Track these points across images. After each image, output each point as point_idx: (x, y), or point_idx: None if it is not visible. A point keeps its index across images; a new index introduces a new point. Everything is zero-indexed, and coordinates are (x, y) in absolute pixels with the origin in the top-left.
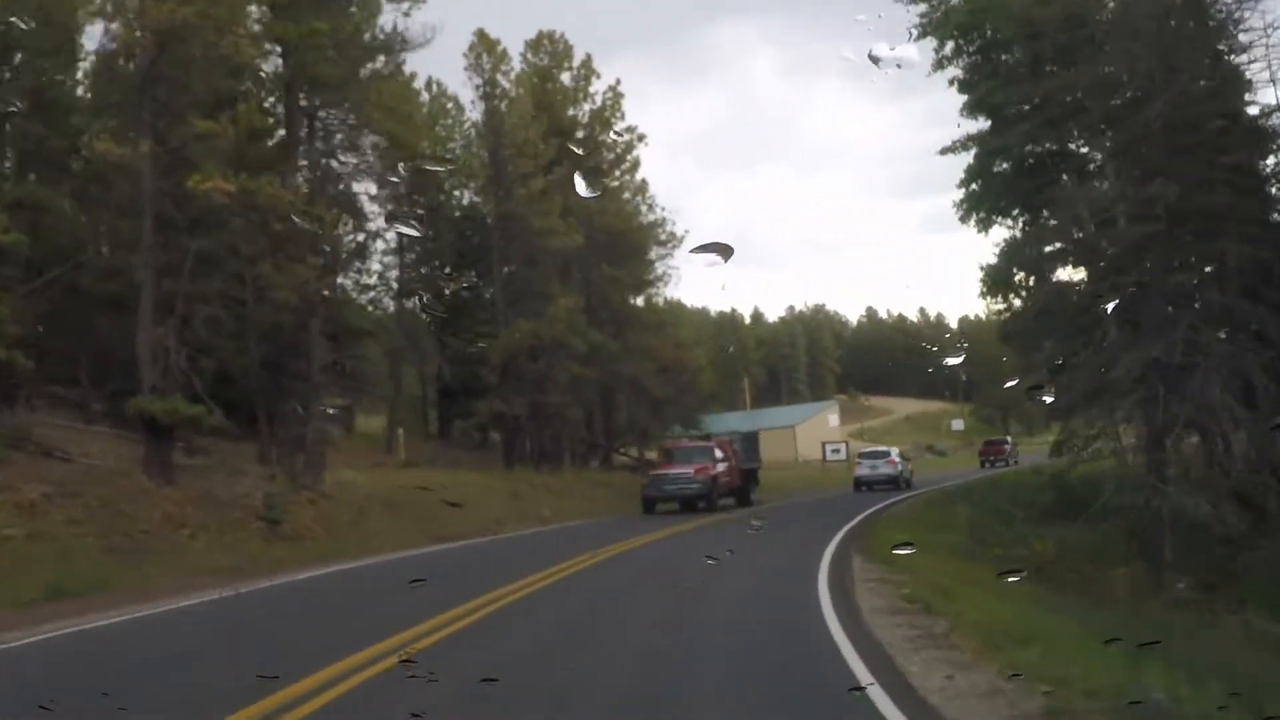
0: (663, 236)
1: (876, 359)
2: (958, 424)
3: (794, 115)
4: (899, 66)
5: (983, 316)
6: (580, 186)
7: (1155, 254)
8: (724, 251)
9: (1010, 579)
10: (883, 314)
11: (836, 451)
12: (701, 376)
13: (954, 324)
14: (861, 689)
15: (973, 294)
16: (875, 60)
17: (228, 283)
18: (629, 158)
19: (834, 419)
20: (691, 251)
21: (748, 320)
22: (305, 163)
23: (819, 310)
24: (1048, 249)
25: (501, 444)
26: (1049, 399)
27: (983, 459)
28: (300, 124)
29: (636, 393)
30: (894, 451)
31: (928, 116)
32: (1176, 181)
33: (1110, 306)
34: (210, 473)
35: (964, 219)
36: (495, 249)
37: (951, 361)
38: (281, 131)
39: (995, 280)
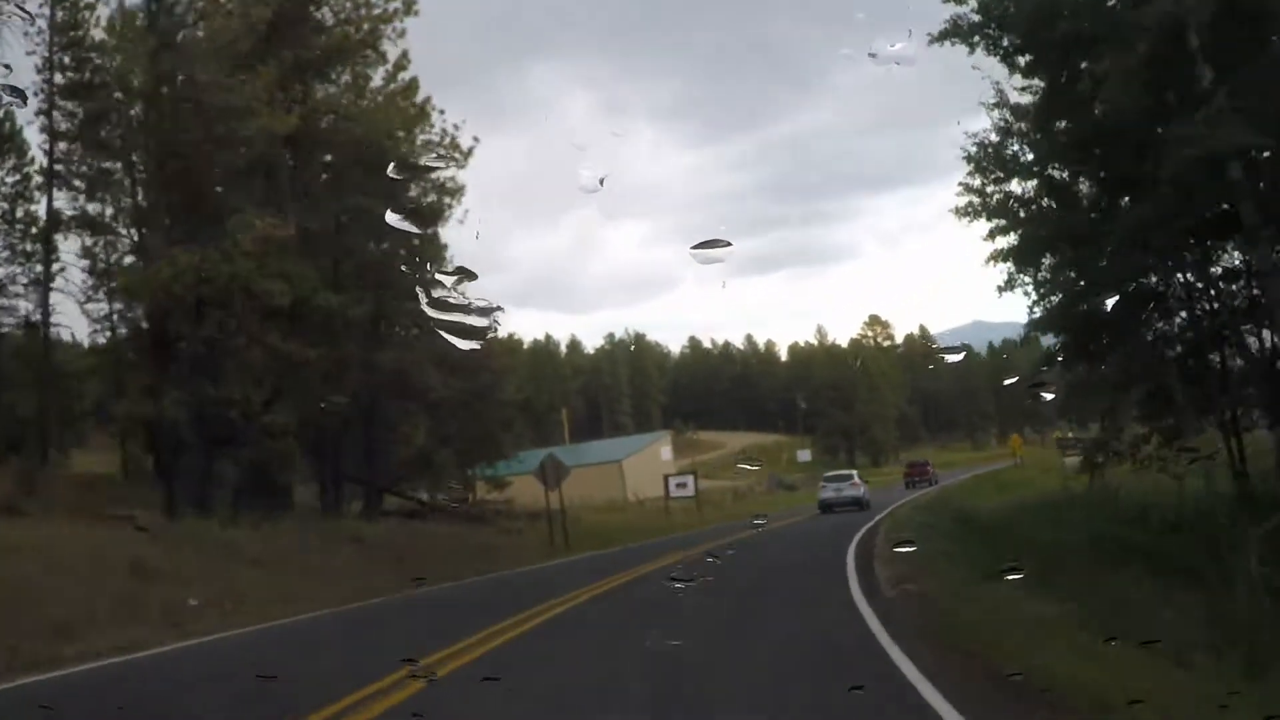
0: (445, 170)
1: (703, 390)
2: (804, 455)
3: (606, 158)
4: (898, 64)
5: (814, 343)
6: None
7: None
8: (723, 246)
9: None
10: (707, 344)
11: (683, 486)
12: (510, 380)
13: (784, 354)
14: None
15: (800, 328)
16: (874, 56)
17: None
18: (388, 31)
19: (667, 452)
20: (693, 249)
21: (564, 350)
22: None
23: (640, 339)
24: None
25: (154, 473)
26: (1050, 395)
27: (907, 481)
28: None
29: (404, 397)
30: (855, 474)
31: (734, 161)
32: None
33: None
34: None
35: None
36: (146, 124)
37: (953, 359)
38: None
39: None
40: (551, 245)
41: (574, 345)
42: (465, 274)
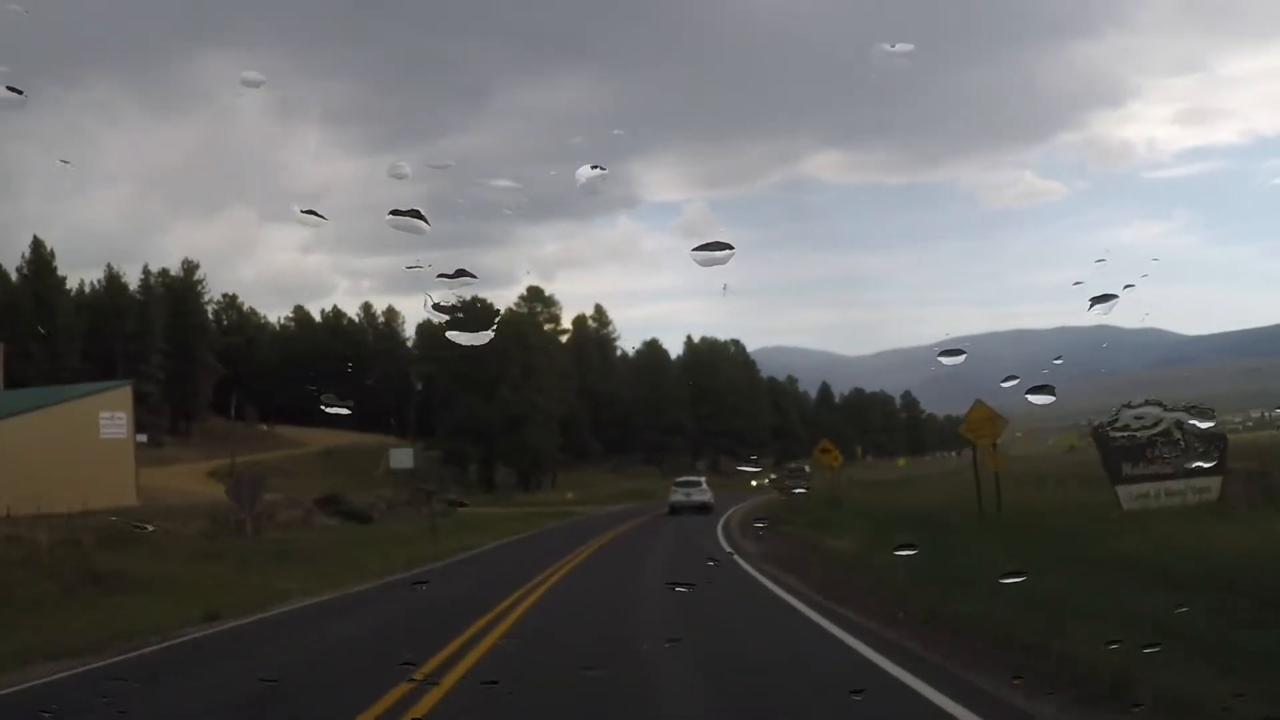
0: None
1: (302, 373)
2: (403, 458)
3: (271, 156)
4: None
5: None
6: None
7: None
8: (724, 249)
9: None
10: (316, 314)
11: None
12: None
13: (411, 330)
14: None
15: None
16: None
17: None
18: None
19: (118, 421)
20: (693, 250)
21: (97, 284)
22: None
23: (193, 269)
24: None
25: None
26: (1049, 399)
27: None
28: None
29: None
30: (703, 481)
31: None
32: None
33: None
34: None
35: None
36: None
37: (950, 361)
38: None
39: None
40: (201, 241)
41: (114, 278)
42: (464, 274)
